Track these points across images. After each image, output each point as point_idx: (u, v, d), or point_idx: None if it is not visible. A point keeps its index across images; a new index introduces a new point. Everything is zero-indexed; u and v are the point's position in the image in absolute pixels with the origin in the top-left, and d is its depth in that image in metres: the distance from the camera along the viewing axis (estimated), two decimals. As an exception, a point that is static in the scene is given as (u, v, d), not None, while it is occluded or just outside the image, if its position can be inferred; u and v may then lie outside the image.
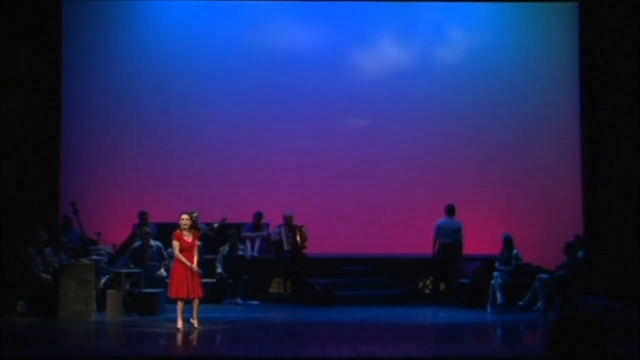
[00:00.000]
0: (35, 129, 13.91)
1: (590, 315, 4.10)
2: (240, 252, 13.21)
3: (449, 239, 13.02)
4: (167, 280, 10.93)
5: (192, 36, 14.93)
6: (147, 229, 12.59)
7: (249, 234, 13.83)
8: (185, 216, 10.41)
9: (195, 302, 10.29)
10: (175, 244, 10.29)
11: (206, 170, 14.87)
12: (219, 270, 12.94)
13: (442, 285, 13.36)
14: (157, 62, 14.88)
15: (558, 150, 14.99)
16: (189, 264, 10.20)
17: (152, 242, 12.36)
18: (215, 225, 13.10)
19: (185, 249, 10.27)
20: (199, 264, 10.58)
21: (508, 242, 12.30)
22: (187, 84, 14.91)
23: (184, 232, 10.34)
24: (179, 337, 9.80)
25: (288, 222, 13.54)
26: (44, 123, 14.08)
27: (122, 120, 14.86)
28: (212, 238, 13.08)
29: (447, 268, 13.10)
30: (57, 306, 10.92)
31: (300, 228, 13.55)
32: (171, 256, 10.63)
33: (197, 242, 10.50)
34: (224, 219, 13.36)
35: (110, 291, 11.50)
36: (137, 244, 12.44)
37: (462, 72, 15.07)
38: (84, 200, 13.50)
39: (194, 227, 10.48)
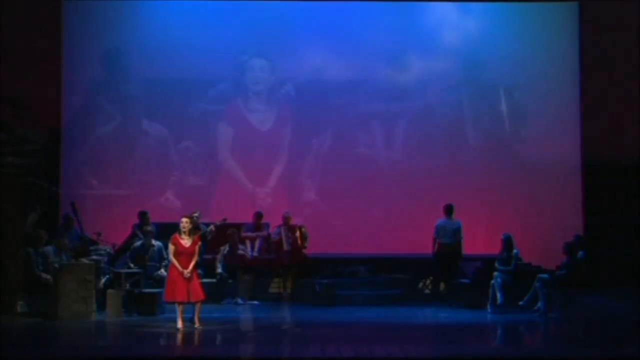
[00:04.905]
0: (35, 129, 13.92)
1: None
2: (240, 252, 13.21)
3: (449, 239, 13.02)
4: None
5: (192, 35, 14.89)
6: (149, 228, 12.59)
7: (249, 234, 13.81)
8: (185, 220, 10.38)
9: (197, 304, 10.27)
10: (171, 247, 10.26)
11: (206, 170, 14.87)
12: (219, 270, 12.93)
13: (442, 285, 13.36)
14: (156, 62, 14.85)
15: (558, 150, 14.98)
16: (180, 268, 10.13)
17: (154, 242, 12.35)
18: (212, 227, 13.10)
19: (182, 253, 10.21)
20: (199, 264, 10.56)
21: (508, 242, 12.28)
22: (187, 83, 14.91)
23: (183, 236, 10.29)
24: (179, 337, 9.80)
25: (287, 221, 13.54)
26: (44, 123, 14.10)
27: (122, 120, 14.85)
28: (211, 239, 13.09)
29: (447, 268, 13.10)
30: (57, 306, 10.91)
31: (300, 228, 13.55)
32: (170, 257, 10.62)
33: (199, 243, 10.46)
34: (224, 219, 13.39)
35: (110, 291, 11.49)
36: (137, 243, 12.43)
37: (462, 72, 15.07)
38: (84, 200, 13.51)
39: (195, 229, 10.44)
